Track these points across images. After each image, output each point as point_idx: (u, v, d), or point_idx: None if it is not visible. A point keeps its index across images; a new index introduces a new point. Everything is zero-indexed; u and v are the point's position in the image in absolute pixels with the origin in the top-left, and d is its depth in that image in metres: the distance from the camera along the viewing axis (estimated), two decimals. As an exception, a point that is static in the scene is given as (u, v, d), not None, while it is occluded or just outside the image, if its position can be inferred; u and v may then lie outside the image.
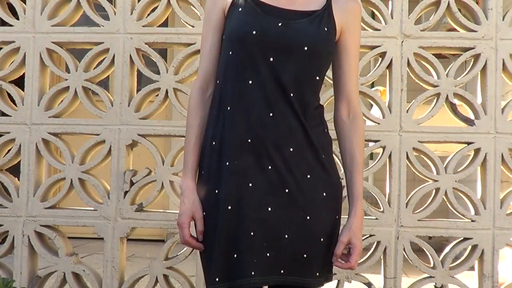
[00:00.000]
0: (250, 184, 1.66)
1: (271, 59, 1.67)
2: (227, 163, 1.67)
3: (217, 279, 1.65)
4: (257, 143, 1.67)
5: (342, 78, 1.80)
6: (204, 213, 1.70)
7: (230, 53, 1.70)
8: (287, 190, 1.68)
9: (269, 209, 1.66)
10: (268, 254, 1.66)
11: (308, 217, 1.68)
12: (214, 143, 1.71)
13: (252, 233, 1.65)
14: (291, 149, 1.68)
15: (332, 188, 1.74)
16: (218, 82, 1.74)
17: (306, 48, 1.68)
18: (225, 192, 1.67)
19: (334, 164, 1.78)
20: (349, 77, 1.80)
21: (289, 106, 1.68)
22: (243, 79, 1.68)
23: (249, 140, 1.67)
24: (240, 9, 1.72)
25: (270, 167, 1.67)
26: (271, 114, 1.67)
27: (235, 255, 1.65)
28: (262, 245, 1.66)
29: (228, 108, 1.69)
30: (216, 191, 1.68)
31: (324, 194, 1.71)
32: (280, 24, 1.69)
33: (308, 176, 1.70)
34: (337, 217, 1.75)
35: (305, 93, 1.71)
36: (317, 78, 1.74)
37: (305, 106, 1.71)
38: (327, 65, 1.78)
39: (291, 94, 1.69)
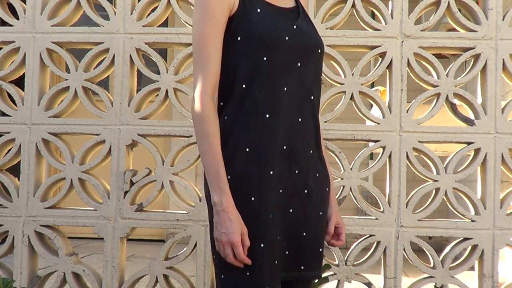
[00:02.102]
0: (281, 190, 1.68)
1: (299, 64, 1.69)
2: (271, 172, 1.65)
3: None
4: (290, 149, 1.70)
5: None
6: (244, 221, 1.63)
7: (265, 58, 1.64)
8: (306, 191, 1.74)
9: (291, 210, 1.71)
10: (287, 252, 1.71)
11: (321, 213, 1.77)
12: (248, 149, 1.64)
13: (278, 237, 1.68)
14: (311, 151, 1.75)
15: (330, 183, 1.84)
16: (245, 87, 1.65)
17: (319, 51, 1.76)
18: (268, 201, 1.64)
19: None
20: None
21: (311, 110, 1.74)
22: (279, 86, 1.66)
23: (285, 148, 1.68)
24: (259, 10, 1.67)
25: (297, 171, 1.72)
26: (300, 120, 1.71)
27: (276, 261, 1.67)
28: (283, 245, 1.70)
29: (267, 115, 1.65)
30: (253, 199, 1.63)
31: (327, 189, 1.81)
32: (295, 27, 1.71)
33: (317, 175, 1.77)
34: (330, 211, 1.85)
35: (319, 94, 1.79)
36: (321, 76, 1.81)
37: (318, 107, 1.78)
38: None
39: (312, 97, 1.74)
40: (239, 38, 1.65)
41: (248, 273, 1.61)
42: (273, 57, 1.65)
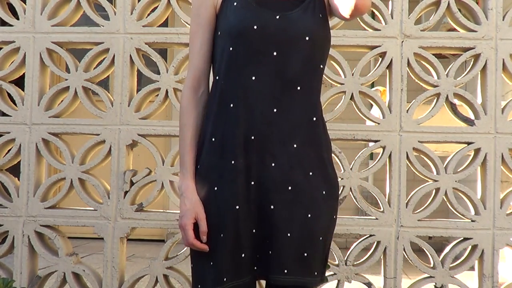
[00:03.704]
0: (252, 183, 1.66)
1: (275, 53, 1.66)
2: (233, 162, 1.66)
3: (225, 279, 1.65)
4: (261, 140, 1.66)
5: None
6: (205, 209, 1.68)
7: (231, 49, 1.67)
8: (290, 188, 1.67)
9: (272, 207, 1.66)
10: (270, 252, 1.66)
11: (309, 215, 1.67)
12: (213, 139, 1.69)
13: (254, 231, 1.66)
14: (295, 146, 1.68)
15: (331, 187, 1.74)
16: (217, 78, 1.71)
17: (307, 38, 1.67)
18: (231, 192, 1.66)
19: (333, 163, 1.78)
20: None
21: (294, 101, 1.67)
22: (245, 75, 1.66)
23: (253, 138, 1.66)
24: (235, 3, 1.69)
25: (273, 164, 1.66)
26: (274, 110, 1.66)
27: (243, 255, 1.66)
28: (264, 242, 1.66)
29: (231, 105, 1.66)
30: (216, 188, 1.67)
31: (324, 192, 1.71)
32: (278, 17, 1.67)
33: (311, 174, 1.69)
34: (334, 216, 1.75)
35: (312, 85, 1.71)
36: (321, 66, 1.74)
37: (311, 100, 1.71)
38: (328, 51, 1.78)
39: (298, 88, 1.68)
40: (219, 33, 1.72)
41: (211, 263, 1.66)
42: (239, 47, 1.66)
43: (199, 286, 1.68)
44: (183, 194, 1.69)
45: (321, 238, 1.70)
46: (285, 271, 1.66)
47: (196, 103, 1.74)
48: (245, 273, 1.67)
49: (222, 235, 1.65)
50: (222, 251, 1.65)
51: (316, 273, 1.70)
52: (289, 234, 1.65)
